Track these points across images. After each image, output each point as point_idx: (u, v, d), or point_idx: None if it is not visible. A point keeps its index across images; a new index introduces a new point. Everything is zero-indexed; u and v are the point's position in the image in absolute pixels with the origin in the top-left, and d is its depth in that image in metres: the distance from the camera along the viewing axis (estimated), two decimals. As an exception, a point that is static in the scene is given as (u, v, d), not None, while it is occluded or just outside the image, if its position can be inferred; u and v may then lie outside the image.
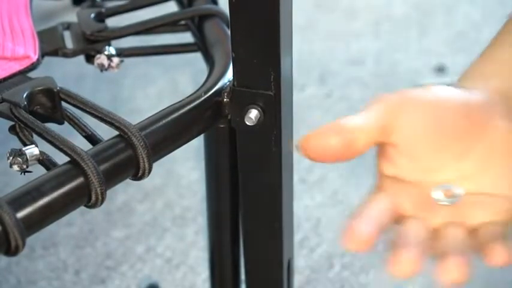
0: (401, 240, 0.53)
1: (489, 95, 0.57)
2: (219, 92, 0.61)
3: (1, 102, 0.59)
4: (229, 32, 0.59)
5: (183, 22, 0.74)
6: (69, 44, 0.70)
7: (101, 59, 0.69)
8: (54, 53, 0.69)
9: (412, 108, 0.55)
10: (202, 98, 0.61)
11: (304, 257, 1.13)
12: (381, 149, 0.56)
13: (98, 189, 0.54)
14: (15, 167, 0.56)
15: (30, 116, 0.58)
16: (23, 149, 0.56)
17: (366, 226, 0.53)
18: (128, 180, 0.57)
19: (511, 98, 0.57)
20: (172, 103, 0.60)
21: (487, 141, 0.55)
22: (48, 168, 0.56)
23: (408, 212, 0.56)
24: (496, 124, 0.55)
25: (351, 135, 0.54)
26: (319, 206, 1.23)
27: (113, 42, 0.70)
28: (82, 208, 0.55)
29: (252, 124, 0.60)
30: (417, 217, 0.55)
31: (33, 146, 0.57)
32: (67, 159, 0.55)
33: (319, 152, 0.55)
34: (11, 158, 0.56)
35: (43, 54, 0.67)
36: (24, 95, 0.60)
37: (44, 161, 0.56)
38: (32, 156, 0.56)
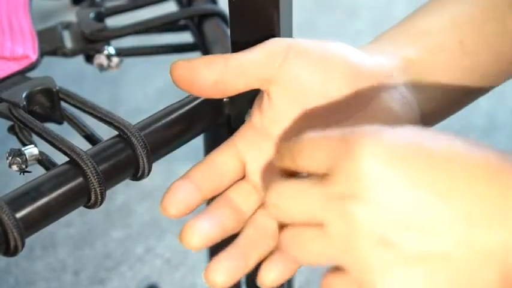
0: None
1: (391, 62, 0.54)
2: (219, 92, 0.61)
3: (0, 102, 0.59)
4: (228, 31, 0.59)
5: (182, 22, 0.74)
6: (69, 43, 0.70)
7: (100, 58, 0.69)
8: (54, 52, 0.69)
9: (298, 63, 0.52)
10: (202, 98, 0.61)
11: (304, 257, 1.13)
12: (259, 95, 0.54)
13: (98, 189, 0.53)
14: (14, 167, 0.56)
15: (29, 116, 0.57)
16: (22, 149, 0.56)
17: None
18: (128, 181, 0.57)
19: (415, 68, 0.54)
20: (172, 103, 0.59)
21: (365, 115, 0.51)
22: (47, 168, 0.56)
23: (251, 174, 0.53)
24: (380, 98, 0.52)
25: (227, 76, 0.51)
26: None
27: (113, 42, 0.70)
28: (81, 208, 0.55)
29: (252, 124, 0.60)
30: (255, 182, 0.52)
31: (32, 146, 0.56)
32: (66, 159, 0.54)
33: (186, 82, 0.52)
34: (10, 158, 0.56)
35: (42, 53, 0.67)
36: (23, 95, 0.60)
37: (43, 161, 0.56)
38: (31, 156, 0.56)
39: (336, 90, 0.52)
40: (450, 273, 0.41)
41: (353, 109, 0.52)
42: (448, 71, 0.55)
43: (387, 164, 0.42)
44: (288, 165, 0.47)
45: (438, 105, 0.55)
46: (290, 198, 0.45)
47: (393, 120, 0.52)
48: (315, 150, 0.45)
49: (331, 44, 0.53)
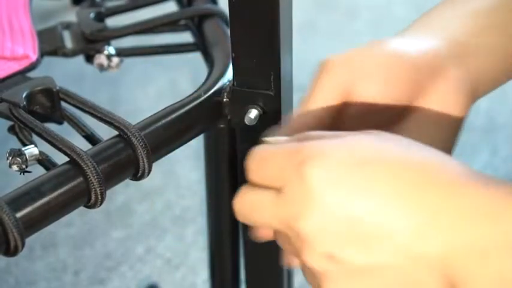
0: None
1: (439, 44, 0.54)
2: (219, 92, 0.61)
3: (0, 102, 0.59)
4: (229, 32, 0.59)
5: (182, 22, 0.74)
6: (69, 43, 0.70)
7: (101, 58, 0.69)
8: (54, 52, 0.69)
9: (365, 79, 0.52)
10: (202, 98, 0.61)
11: (304, 257, 1.12)
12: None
13: (98, 189, 0.53)
14: (15, 167, 0.56)
15: (29, 116, 0.58)
16: (22, 149, 0.56)
17: None
18: (128, 181, 0.57)
19: (459, 49, 0.55)
20: (172, 103, 0.60)
21: (425, 106, 0.53)
22: (47, 168, 0.56)
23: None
24: (436, 86, 0.53)
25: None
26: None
27: (113, 42, 0.70)
28: (81, 208, 0.55)
29: (252, 124, 0.60)
30: None
31: (33, 146, 0.57)
32: (66, 159, 0.54)
33: None
34: (10, 158, 0.56)
35: (42, 54, 0.67)
36: (24, 95, 0.60)
37: (44, 161, 0.56)
38: (31, 156, 0.56)
39: (399, 92, 0.52)
40: (391, 282, 0.43)
41: (416, 102, 0.53)
42: (491, 53, 0.56)
43: (331, 184, 0.44)
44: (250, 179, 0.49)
45: (481, 87, 0.56)
46: (250, 208, 0.48)
47: (450, 106, 0.53)
48: (265, 167, 0.48)
49: (387, 43, 0.54)
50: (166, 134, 0.58)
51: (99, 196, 0.54)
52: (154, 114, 0.59)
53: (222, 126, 0.64)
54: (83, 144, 0.56)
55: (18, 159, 0.56)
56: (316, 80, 0.53)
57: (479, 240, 0.42)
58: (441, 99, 0.53)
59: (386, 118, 0.53)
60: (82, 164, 0.53)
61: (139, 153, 0.56)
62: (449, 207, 0.42)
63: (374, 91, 0.52)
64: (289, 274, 0.74)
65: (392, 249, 0.43)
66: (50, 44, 0.69)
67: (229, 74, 0.63)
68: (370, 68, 0.52)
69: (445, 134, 0.53)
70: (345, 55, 0.53)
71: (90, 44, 0.69)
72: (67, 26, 0.71)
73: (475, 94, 0.55)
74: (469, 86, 0.54)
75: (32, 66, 0.65)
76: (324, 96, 0.52)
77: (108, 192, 0.55)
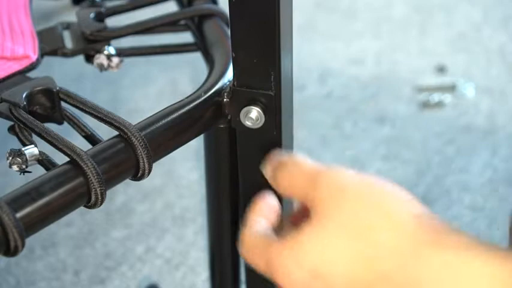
0: None
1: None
2: (219, 92, 0.61)
3: (0, 102, 0.59)
4: (229, 32, 0.59)
5: (182, 22, 0.74)
6: (69, 43, 0.70)
7: (101, 58, 0.69)
8: (54, 52, 0.69)
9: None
10: (202, 98, 0.61)
11: (304, 257, 1.12)
12: None
13: (98, 189, 0.53)
14: (15, 167, 0.56)
15: (29, 116, 0.58)
16: (23, 149, 0.56)
17: None
18: (128, 181, 0.57)
19: None
20: (172, 103, 0.60)
21: None
22: (47, 169, 0.56)
23: None
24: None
25: None
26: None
27: (113, 42, 0.70)
28: (81, 208, 0.55)
29: (252, 124, 0.60)
30: None
31: (33, 146, 0.57)
32: (66, 159, 0.54)
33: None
34: (10, 158, 0.56)
35: (42, 54, 0.67)
36: (24, 95, 0.60)
37: (44, 161, 0.56)
38: (32, 157, 0.56)
39: None
40: None
41: None
42: None
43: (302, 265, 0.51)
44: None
45: None
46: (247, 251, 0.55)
47: None
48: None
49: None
50: (166, 134, 0.58)
51: (99, 196, 0.54)
52: (154, 114, 0.59)
53: (222, 126, 0.64)
54: (83, 144, 0.56)
55: (18, 159, 0.56)
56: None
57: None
58: None
59: None
60: (82, 164, 0.53)
61: (139, 153, 0.56)
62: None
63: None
64: (289, 274, 0.74)
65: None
66: (50, 44, 0.69)
67: (229, 74, 0.63)
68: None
69: None
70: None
71: (90, 44, 0.69)
72: (67, 26, 0.71)
73: None
74: None
75: (32, 66, 0.65)
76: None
77: (108, 192, 0.55)
